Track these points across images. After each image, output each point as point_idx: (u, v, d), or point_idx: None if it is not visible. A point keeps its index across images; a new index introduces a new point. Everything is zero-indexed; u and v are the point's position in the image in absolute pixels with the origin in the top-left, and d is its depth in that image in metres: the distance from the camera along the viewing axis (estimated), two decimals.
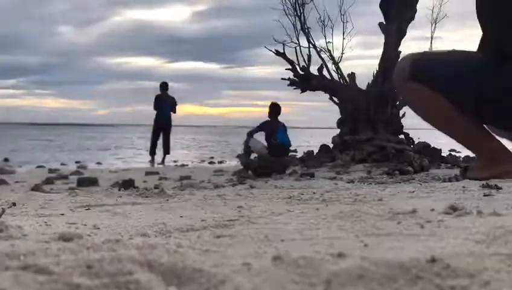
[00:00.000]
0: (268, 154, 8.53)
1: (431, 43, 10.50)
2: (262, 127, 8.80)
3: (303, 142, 17.87)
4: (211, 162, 12.24)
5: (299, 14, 10.54)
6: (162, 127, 12.28)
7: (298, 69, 10.36)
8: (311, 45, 10.44)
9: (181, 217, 2.90)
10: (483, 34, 3.49)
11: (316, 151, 10.58)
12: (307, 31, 10.53)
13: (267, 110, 8.80)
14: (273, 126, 8.77)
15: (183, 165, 10.88)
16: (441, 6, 10.29)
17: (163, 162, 10.06)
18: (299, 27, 10.58)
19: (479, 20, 3.57)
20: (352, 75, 10.38)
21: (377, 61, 10.16)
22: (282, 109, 9.15)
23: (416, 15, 10.20)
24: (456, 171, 7.57)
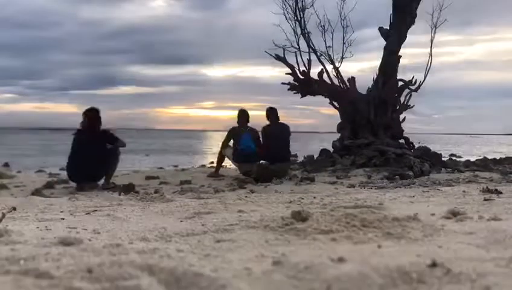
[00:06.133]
0: (233, 160, 8.64)
1: (431, 47, 10.49)
2: (229, 135, 8.86)
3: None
4: (211, 166, 12.23)
5: (299, 18, 10.54)
6: None
7: (298, 73, 10.36)
8: (311, 50, 10.43)
9: (181, 221, 2.90)
10: None
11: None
12: (307, 35, 10.52)
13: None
14: (238, 133, 8.84)
15: (183, 170, 10.87)
16: (440, 11, 10.29)
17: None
18: (299, 32, 10.58)
19: None
20: (352, 80, 10.38)
21: (377, 66, 10.19)
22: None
23: (416, 19, 10.21)
24: (458, 175, 7.57)
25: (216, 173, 8.64)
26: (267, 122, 8.35)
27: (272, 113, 8.28)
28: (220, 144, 9.10)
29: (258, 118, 9.27)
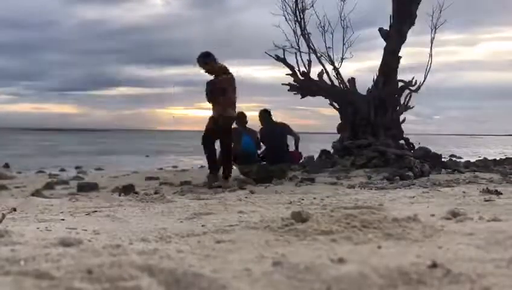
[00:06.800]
0: (233, 161, 8.71)
1: (431, 48, 10.50)
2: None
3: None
4: None
5: (299, 19, 10.54)
6: None
7: (298, 74, 10.36)
8: (311, 50, 10.43)
9: (181, 222, 2.90)
10: None
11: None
12: (307, 36, 10.52)
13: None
14: (238, 134, 8.82)
15: (183, 170, 10.87)
16: (440, 11, 10.30)
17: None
18: (299, 32, 10.59)
19: None
20: (352, 80, 10.38)
21: (377, 66, 10.18)
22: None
23: (417, 20, 10.20)
24: (458, 176, 7.56)
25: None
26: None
27: (261, 115, 8.39)
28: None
29: (257, 118, 9.32)
